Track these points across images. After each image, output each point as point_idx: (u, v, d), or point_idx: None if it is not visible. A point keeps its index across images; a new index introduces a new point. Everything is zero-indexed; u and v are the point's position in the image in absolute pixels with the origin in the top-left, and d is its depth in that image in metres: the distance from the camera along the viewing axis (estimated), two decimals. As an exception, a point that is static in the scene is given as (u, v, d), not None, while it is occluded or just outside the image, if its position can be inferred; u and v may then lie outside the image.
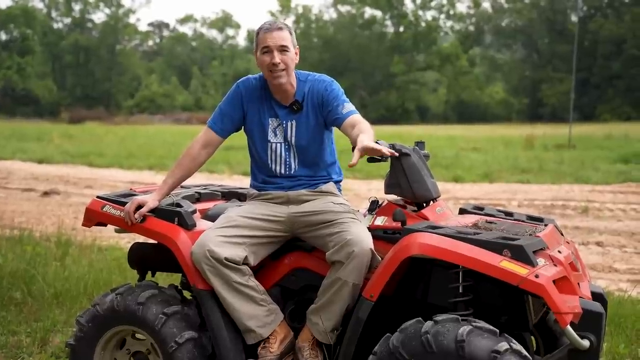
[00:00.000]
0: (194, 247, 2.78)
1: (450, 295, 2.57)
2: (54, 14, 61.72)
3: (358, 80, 51.06)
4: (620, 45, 45.74)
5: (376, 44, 54.77)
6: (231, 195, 3.42)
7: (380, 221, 2.85)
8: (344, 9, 58.36)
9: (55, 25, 61.54)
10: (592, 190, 11.48)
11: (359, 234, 2.69)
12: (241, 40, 69.59)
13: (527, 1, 54.05)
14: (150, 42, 68.28)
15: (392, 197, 2.94)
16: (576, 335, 2.34)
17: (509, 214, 3.10)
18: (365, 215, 2.93)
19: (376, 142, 2.61)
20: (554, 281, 2.33)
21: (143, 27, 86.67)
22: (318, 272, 2.85)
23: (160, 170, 14.80)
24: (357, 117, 2.85)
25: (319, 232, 2.82)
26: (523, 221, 3.00)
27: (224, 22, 66.89)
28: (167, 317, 2.80)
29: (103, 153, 18.98)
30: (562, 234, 2.94)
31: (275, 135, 2.99)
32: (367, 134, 2.65)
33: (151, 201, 2.96)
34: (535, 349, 3.03)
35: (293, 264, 2.95)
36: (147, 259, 3.25)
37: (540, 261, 2.39)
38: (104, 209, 3.06)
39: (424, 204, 2.88)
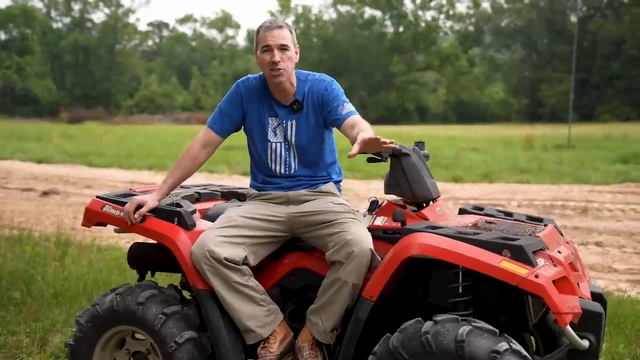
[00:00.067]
0: (193, 247, 2.78)
1: (450, 295, 2.57)
2: (53, 13, 61.76)
3: (358, 80, 51.07)
4: (620, 46, 45.77)
5: (376, 44, 54.79)
6: (231, 195, 3.41)
7: (380, 221, 2.85)
8: (343, 9, 58.44)
9: (54, 25, 61.60)
10: (592, 190, 11.48)
11: (359, 234, 2.68)
12: (241, 40, 69.72)
13: (527, 1, 54.08)
14: (150, 42, 68.36)
15: (392, 197, 2.94)
16: (576, 336, 2.34)
17: (508, 214, 3.10)
18: (365, 216, 2.92)
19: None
20: (553, 281, 2.33)
21: (143, 27, 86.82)
22: (318, 272, 2.85)
23: (159, 170, 14.80)
24: (356, 118, 2.85)
25: (319, 232, 2.81)
26: (523, 221, 3.00)
27: (224, 22, 66.91)
28: (167, 317, 2.80)
29: (102, 153, 18.99)
30: (561, 234, 2.94)
31: (275, 134, 2.99)
32: (367, 133, 2.64)
33: (151, 201, 2.95)
34: (535, 349, 3.03)
35: (293, 264, 2.95)
36: (146, 259, 3.25)
37: (540, 261, 2.39)
38: (103, 209, 3.06)
39: (424, 204, 2.88)
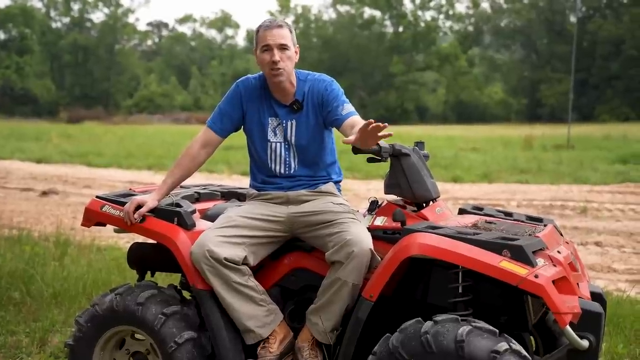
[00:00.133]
0: (193, 247, 2.78)
1: (450, 295, 2.57)
2: (52, 13, 61.75)
3: (357, 80, 51.06)
4: (619, 46, 45.77)
5: (375, 44, 54.79)
6: (230, 195, 3.41)
7: (379, 221, 2.85)
8: (343, 9, 58.42)
9: (54, 25, 61.55)
10: (591, 190, 11.48)
11: (359, 234, 2.68)
12: (240, 40, 69.74)
13: (526, 1, 54.07)
14: (149, 42, 68.36)
15: (392, 197, 2.94)
16: (575, 336, 2.34)
17: (508, 214, 3.10)
18: (364, 216, 2.92)
19: (377, 144, 2.60)
20: (553, 281, 2.33)
21: (142, 26, 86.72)
22: (318, 272, 2.85)
23: (159, 170, 14.80)
24: (356, 118, 2.85)
25: (319, 232, 2.81)
26: (522, 221, 3.00)
27: (223, 22, 66.90)
28: (167, 317, 2.79)
29: (102, 153, 18.98)
30: (561, 234, 2.94)
31: (275, 134, 2.98)
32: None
33: (150, 201, 2.95)
34: (534, 349, 3.04)
35: (293, 264, 2.95)
36: (146, 259, 3.25)
37: (540, 261, 2.39)
38: (103, 209, 3.06)
39: (424, 204, 2.88)
